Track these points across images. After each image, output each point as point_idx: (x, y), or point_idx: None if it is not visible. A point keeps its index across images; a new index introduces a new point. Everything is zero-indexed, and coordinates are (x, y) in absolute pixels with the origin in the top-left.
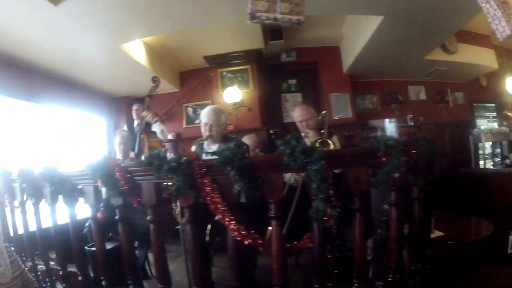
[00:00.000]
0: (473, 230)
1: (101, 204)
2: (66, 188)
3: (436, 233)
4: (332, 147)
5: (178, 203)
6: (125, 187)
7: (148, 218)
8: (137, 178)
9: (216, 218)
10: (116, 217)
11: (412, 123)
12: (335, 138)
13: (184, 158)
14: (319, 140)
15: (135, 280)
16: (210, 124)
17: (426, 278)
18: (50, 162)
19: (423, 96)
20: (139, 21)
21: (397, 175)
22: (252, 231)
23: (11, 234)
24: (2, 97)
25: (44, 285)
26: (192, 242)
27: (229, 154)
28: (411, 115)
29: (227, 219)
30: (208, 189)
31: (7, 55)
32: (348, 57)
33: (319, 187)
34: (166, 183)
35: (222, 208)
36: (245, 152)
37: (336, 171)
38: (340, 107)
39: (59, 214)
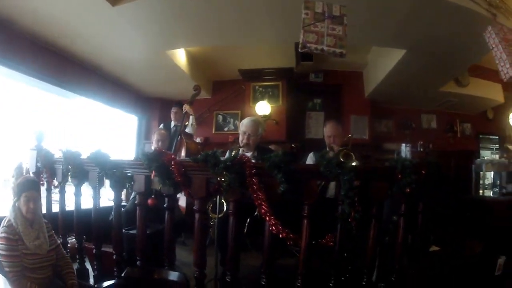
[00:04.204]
0: (467, 248)
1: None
2: (116, 174)
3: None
4: (354, 158)
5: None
6: (179, 179)
7: (195, 207)
8: (190, 172)
9: (256, 214)
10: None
11: (422, 149)
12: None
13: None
14: (344, 151)
15: (171, 262)
16: (249, 133)
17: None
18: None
19: (434, 124)
20: (187, 32)
21: (408, 190)
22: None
23: (43, 211)
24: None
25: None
26: (233, 231)
27: (277, 160)
28: (421, 142)
29: (267, 214)
30: (255, 187)
31: (51, 43)
32: (370, 84)
33: (347, 194)
34: (218, 179)
35: (264, 205)
36: (291, 160)
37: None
38: (359, 128)
39: (101, 198)
